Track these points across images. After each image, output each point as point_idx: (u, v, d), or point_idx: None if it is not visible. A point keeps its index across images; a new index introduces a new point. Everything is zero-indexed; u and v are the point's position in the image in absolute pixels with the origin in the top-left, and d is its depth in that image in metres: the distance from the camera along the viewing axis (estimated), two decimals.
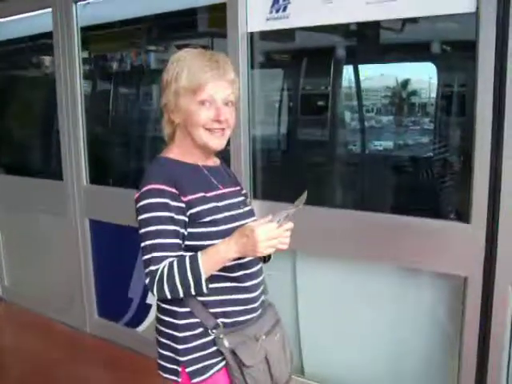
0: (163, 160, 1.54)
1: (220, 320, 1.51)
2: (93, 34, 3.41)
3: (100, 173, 3.49)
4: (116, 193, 3.21)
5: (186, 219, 1.46)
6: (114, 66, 3.71)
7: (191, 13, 2.93)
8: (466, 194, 2.06)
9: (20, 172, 3.95)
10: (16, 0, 3.51)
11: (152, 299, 2.97)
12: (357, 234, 2.34)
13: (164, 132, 1.58)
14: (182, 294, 1.41)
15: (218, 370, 1.52)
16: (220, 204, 1.52)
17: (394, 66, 2.91)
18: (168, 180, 1.45)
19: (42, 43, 3.66)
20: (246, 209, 1.63)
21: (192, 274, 1.38)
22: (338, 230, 2.39)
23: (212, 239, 1.45)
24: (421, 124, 2.86)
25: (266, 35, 2.54)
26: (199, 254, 1.41)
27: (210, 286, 1.43)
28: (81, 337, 3.59)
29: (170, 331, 1.53)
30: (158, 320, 1.59)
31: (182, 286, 1.39)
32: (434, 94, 2.73)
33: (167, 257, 1.41)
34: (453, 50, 2.55)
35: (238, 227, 1.45)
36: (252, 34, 2.52)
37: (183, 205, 1.45)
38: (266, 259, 1.64)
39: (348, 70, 3.04)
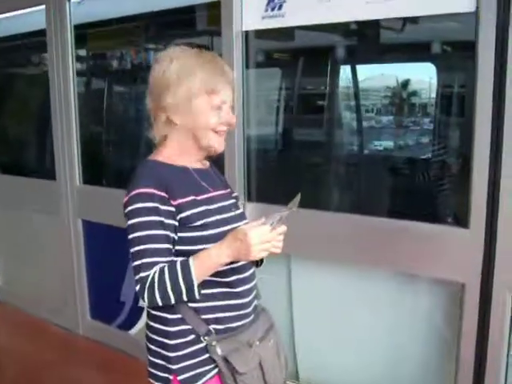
0: (151, 163, 1.50)
1: (212, 326, 1.47)
2: (88, 32, 3.38)
3: (95, 173, 3.47)
4: (109, 193, 3.16)
5: (176, 223, 1.43)
6: (109, 64, 3.68)
7: (189, 11, 2.89)
8: (464, 198, 2.02)
9: (15, 171, 3.93)
10: None
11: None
12: (353, 238, 2.30)
13: (156, 133, 1.53)
14: (173, 301, 1.38)
15: (210, 378, 1.49)
16: (211, 207, 1.49)
17: (392, 67, 2.88)
18: (158, 183, 1.41)
19: (35, 41, 3.61)
20: (238, 212, 1.59)
21: (184, 279, 1.35)
22: (333, 234, 2.35)
23: (203, 243, 1.42)
24: (419, 125, 2.84)
25: (261, 34, 2.50)
26: (191, 259, 1.37)
27: (202, 291, 1.39)
28: (73, 338, 3.57)
29: (161, 338, 1.49)
30: (148, 327, 1.55)
31: (173, 292, 1.35)
32: (433, 95, 2.71)
33: (158, 262, 1.37)
34: (452, 51, 2.53)
35: (229, 231, 1.42)
36: (247, 32, 2.49)
37: (173, 209, 1.42)
38: (258, 263, 1.60)
39: (346, 70, 3.01)
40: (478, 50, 1.91)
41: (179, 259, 1.39)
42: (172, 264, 1.37)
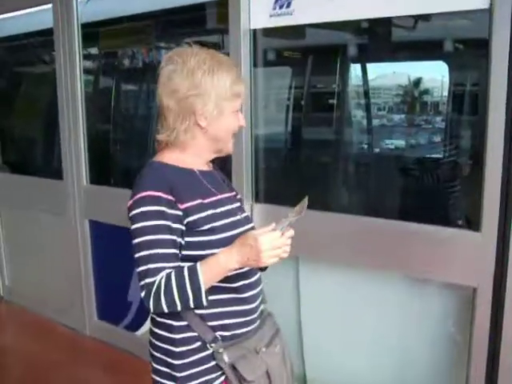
0: (157, 164, 1.46)
1: (218, 333, 1.44)
2: (96, 31, 3.36)
3: (102, 172, 3.46)
4: (116, 193, 3.14)
5: (183, 228, 1.39)
6: (118, 62, 3.66)
7: (198, 9, 2.86)
8: (476, 200, 1.97)
9: (23, 170, 3.93)
10: None
11: None
12: (362, 241, 2.26)
13: (169, 135, 1.44)
14: (179, 308, 1.34)
15: None
16: (217, 211, 1.45)
17: (404, 65, 2.87)
18: (164, 186, 1.37)
19: (44, 40, 3.60)
20: (243, 215, 1.56)
21: (191, 286, 1.31)
22: (342, 236, 2.32)
23: (211, 248, 1.38)
24: (431, 123, 2.81)
25: (269, 32, 2.47)
26: (198, 264, 1.33)
27: (209, 298, 1.35)
28: (80, 339, 3.57)
29: (166, 346, 1.46)
30: (152, 333, 1.51)
31: (180, 299, 1.31)
32: (445, 93, 2.68)
33: (164, 268, 1.33)
34: (465, 48, 2.48)
35: (237, 235, 1.39)
36: (255, 30, 2.46)
37: (180, 213, 1.38)
38: (263, 268, 1.55)
39: (356, 69, 2.98)
40: (492, 47, 1.86)
41: (186, 264, 1.35)
42: (179, 270, 1.33)
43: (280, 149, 3.04)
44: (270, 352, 1.52)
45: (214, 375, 1.45)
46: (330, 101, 3.04)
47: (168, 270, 1.33)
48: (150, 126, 3.38)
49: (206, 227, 1.40)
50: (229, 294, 1.45)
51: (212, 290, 1.36)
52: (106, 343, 3.40)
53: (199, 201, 1.42)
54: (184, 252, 1.40)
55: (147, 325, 3.09)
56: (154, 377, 1.50)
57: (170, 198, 1.36)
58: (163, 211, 1.35)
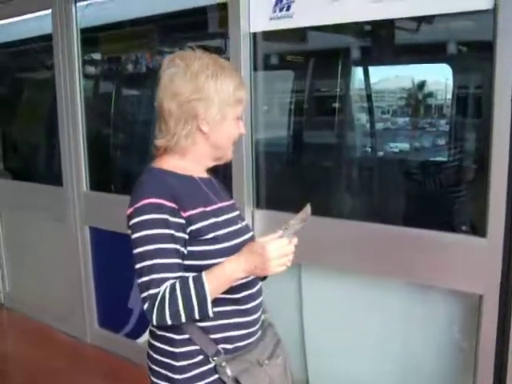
0: (157, 171, 1.41)
1: (221, 346, 1.40)
2: (95, 36, 3.35)
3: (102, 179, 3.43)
4: (117, 199, 3.11)
5: (186, 237, 1.34)
6: (117, 67, 3.65)
7: (198, 12, 2.84)
8: (481, 205, 1.94)
9: (25, 177, 3.93)
10: (15, 1, 3.47)
11: None
12: (366, 247, 2.23)
13: (169, 140, 1.41)
14: (184, 320, 1.29)
15: None
16: (220, 219, 1.41)
17: (407, 68, 2.83)
18: (166, 193, 1.33)
19: (45, 45, 3.58)
20: (244, 223, 1.53)
21: (197, 297, 1.26)
22: (345, 243, 2.29)
23: (214, 258, 1.34)
24: (435, 126, 2.78)
25: (269, 35, 2.45)
26: (203, 274, 1.29)
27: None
28: (81, 347, 3.55)
29: (167, 360, 1.41)
30: (152, 346, 1.46)
31: (185, 310, 1.27)
32: (449, 96, 2.65)
33: (168, 278, 1.28)
34: (469, 51, 2.45)
35: (239, 244, 1.37)
36: (255, 34, 2.43)
37: (183, 221, 1.33)
38: (263, 277, 1.51)
39: (358, 72, 2.95)
40: (497, 49, 1.82)
41: (191, 275, 1.30)
42: (184, 280, 1.28)
43: (281, 153, 3.00)
44: (272, 364, 1.49)
45: None
46: (333, 104, 3.01)
47: (172, 281, 1.28)
48: (151, 131, 3.35)
49: (209, 236, 1.36)
50: (231, 305, 1.41)
51: (214, 301, 1.32)
52: (107, 351, 3.38)
53: (201, 209, 1.38)
54: (186, 262, 1.35)
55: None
56: None
57: (172, 205, 1.32)
58: (166, 219, 1.31)
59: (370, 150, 3.04)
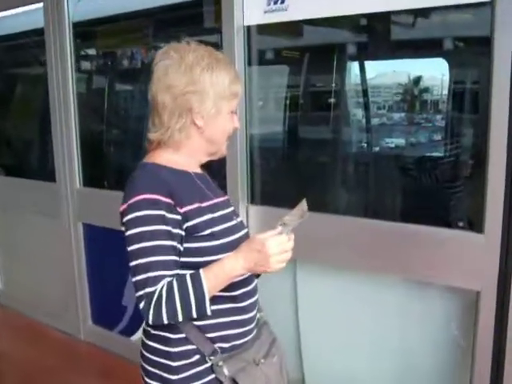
0: (151, 166, 1.38)
1: (218, 345, 1.38)
2: (90, 30, 3.31)
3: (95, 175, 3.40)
4: (110, 196, 3.08)
5: (183, 233, 1.31)
6: (108, 62, 3.62)
7: (193, 6, 2.80)
8: (478, 201, 1.92)
9: (18, 173, 3.90)
10: None
11: None
12: (362, 243, 2.21)
13: (163, 134, 1.38)
14: (181, 319, 1.26)
15: None
16: (216, 215, 1.39)
17: (403, 63, 2.83)
18: (162, 189, 1.29)
19: (37, 40, 3.54)
20: (239, 220, 1.50)
21: (195, 295, 1.24)
22: (341, 239, 2.27)
23: (210, 255, 1.32)
24: (431, 122, 2.78)
25: (264, 29, 2.42)
26: (201, 272, 1.26)
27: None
28: (75, 344, 3.53)
29: (162, 360, 1.38)
30: (145, 346, 1.43)
31: (182, 308, 1.24)
32: (445, 91, 2.64)
33: (164, 276, 1.25)
34: (465, 45, 2.43)
35: (235, 240, 1.35)
36: (249, 27, 2.40)
37: (179, 217, 1.30)
38: (258, 274, 1.49)
39: (354, 67, 2.94)
40: (494, 43, 1.79)
41: (188, 272, 1.28)
42: (181, 277, 1.26)
43: (276, 149, 2.98)
44: (268, 363, 1.47)
45: None
46: (328, 100, 2.99)
47: (169, 279, 1.25)
48: (144, 127, 3.32)
49: (206, 232, 1.34)
50: (228, 303, 1.39)
51: (211, 299, 1.29)
52: (101, 348, 3.36)
53: (198, 204, 1.35)
54: (182, 259, 1.32)
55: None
56: None
57: (168, 201, 1.29)
58: (163, 215, 1.28)
59: (365, 145, 3.02)
